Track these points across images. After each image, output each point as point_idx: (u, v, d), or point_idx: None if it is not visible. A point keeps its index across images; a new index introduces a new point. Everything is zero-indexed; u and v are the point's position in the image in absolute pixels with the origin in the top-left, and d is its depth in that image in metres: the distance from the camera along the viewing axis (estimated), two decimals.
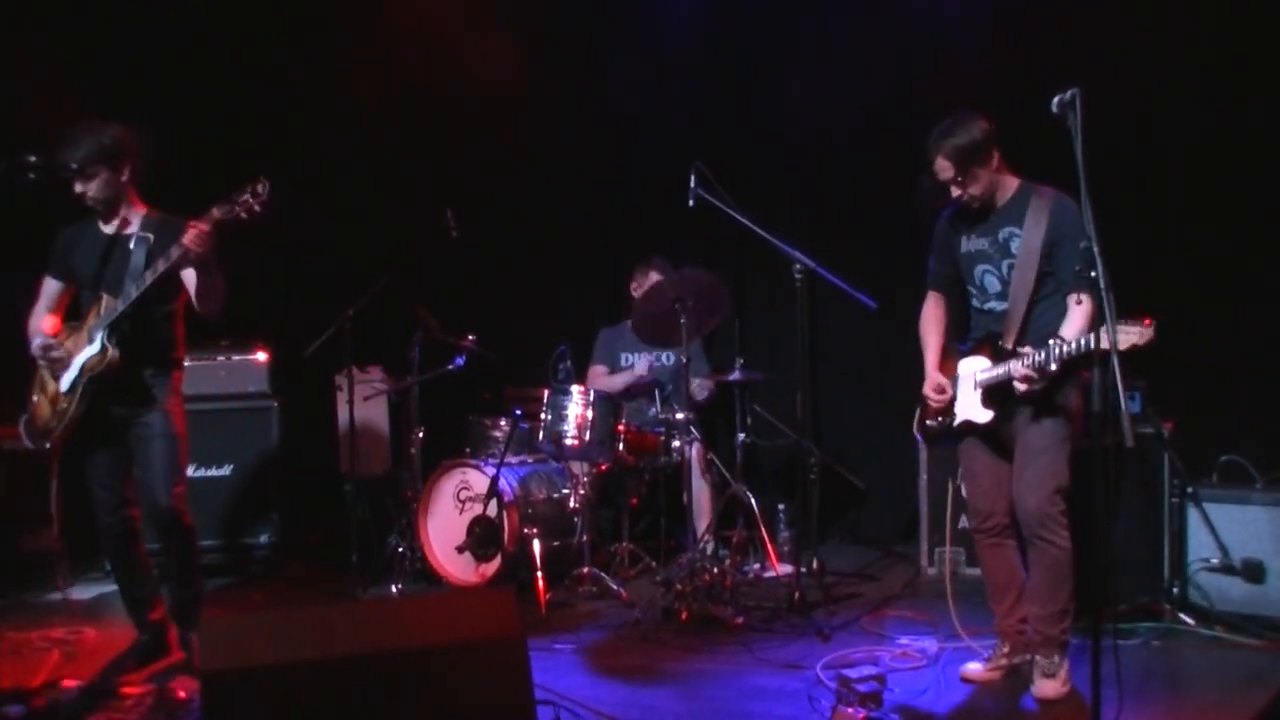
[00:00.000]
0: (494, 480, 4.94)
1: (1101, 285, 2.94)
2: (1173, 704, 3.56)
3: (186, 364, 4.13)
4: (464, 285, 6.29)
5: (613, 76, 6.49)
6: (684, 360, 4.80)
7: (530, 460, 5.41)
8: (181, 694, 3.59)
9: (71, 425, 3.89)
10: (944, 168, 3.56)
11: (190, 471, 4.65)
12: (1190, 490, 4.38)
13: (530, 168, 6.50)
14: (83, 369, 3.85)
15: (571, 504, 5.21)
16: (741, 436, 5.47)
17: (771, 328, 6.33)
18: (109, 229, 3.96)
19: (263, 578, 5.54)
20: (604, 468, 5.33)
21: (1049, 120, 3.04)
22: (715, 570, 4.72)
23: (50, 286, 4.07)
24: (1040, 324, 3.56)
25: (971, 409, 3.68)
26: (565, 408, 4.96)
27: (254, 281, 4.85)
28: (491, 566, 4.99)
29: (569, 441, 4.95)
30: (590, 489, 5.23)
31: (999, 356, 3.57)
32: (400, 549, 5.30)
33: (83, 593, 5.22)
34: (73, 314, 4.07)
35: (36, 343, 3.96)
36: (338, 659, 2.59)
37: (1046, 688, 3.55)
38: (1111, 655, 2.98)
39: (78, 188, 3.84)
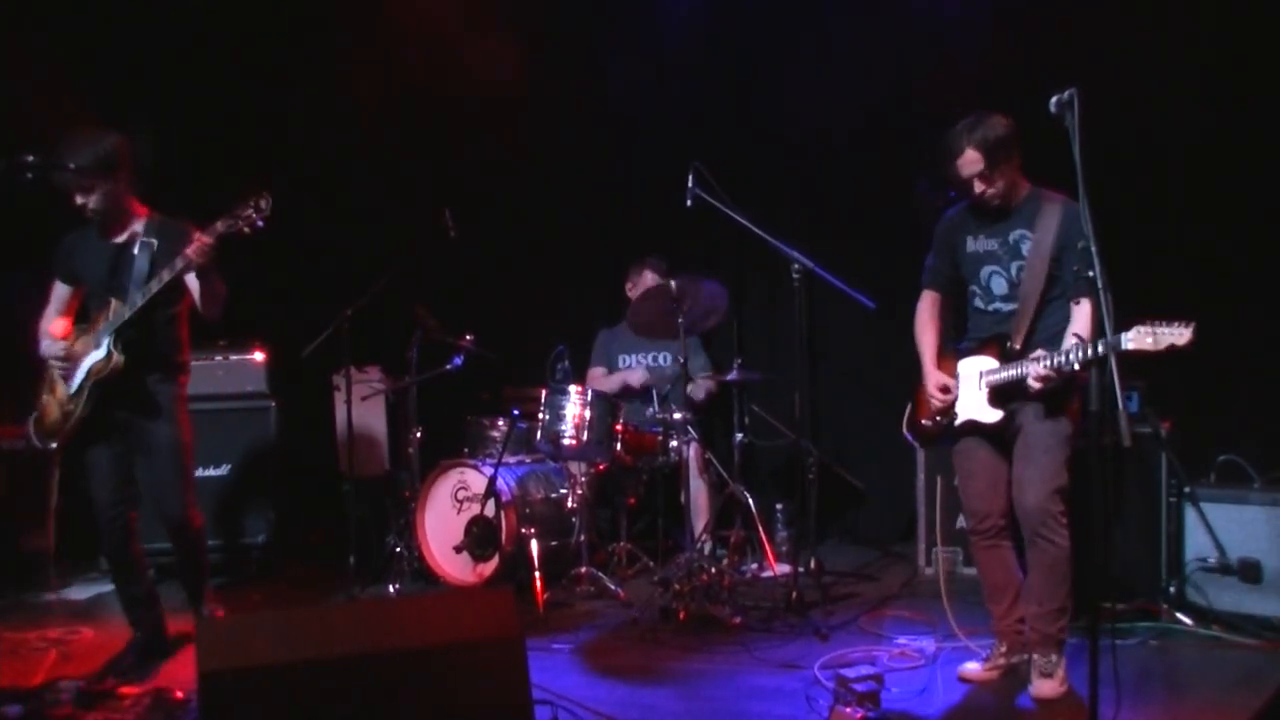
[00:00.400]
0: (492, 480, 4.94)
1: (1099, 285, 2.95)
2: (1170, 703, 3.56)
3: None
4: (463, 285, 6.29)
5: (613, 76, 6.49)
6: (681, 360, 4.80)
7: (528, 460, 5.41)
8: (179, 694, 3.58)
9: (77, 427, 3.94)
10: (973, 160, 3.53)
11: None
12: (1188, 490, 4.38)
13: (530, 168, 6.50)
14: (89, 373, 3.89)
15: (569, 504, 5.21)
16: (739, 436, 5.48)
17: (770, 328, 6.33)
18: (111, 238, 3.98)
19: (260, 577, 5.54)
20: (602, 467, 5.33)
21: (1049, 120, 3.04)
22: (713, 570, 4.73)
23: (60, 290, 4.14)
24: (1048, 326, 3.58)
25: (977, 409, 3.68)
26: (563, 407, 4.96)
27: (252, 281, 4.84)
28: (489, 566, 4.99)
29: (567, 441, 4.95)
30: (588, 489, 5.22)
31: (1007, 357, 3.58)
32: (398, 549, 5.31)
33: (80, 593, 5.22)
34: (82, 316, 4.11)
35: (44, 345, 4.02)
36: (336, 659, 2.60)
37: (1044, 687, 3.55)
38: (1109, 655, 2.97)
39: (78, 199, 3.86)
